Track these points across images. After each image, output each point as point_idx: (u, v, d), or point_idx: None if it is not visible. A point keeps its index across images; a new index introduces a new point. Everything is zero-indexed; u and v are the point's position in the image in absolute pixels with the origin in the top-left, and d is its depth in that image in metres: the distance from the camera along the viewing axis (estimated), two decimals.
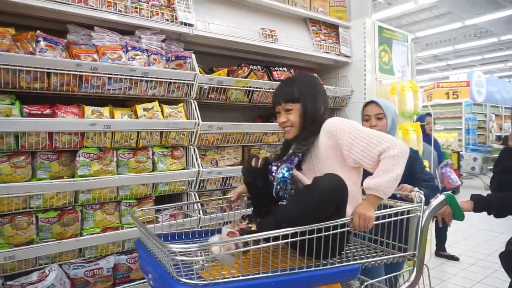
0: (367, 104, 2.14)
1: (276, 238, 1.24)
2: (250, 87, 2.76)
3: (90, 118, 2.08)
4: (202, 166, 2.47)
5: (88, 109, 2.10)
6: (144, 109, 2.28)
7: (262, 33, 2.89)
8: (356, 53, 3.54)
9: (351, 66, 3.58)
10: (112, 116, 2.18)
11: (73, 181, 2.04)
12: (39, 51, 1.93)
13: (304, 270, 1.29)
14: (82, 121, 2.04)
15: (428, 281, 1.69)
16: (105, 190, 2.16)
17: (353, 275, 1.40)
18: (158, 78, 2.28)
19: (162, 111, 2.35)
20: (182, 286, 1.13)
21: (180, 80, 2.38)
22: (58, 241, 1.99)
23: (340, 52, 3.46)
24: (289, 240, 1.27)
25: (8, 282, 1.90)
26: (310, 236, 1.29)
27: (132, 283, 2.23)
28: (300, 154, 1.53)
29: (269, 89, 2.87)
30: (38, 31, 1.98)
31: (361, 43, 3.50)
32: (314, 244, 1.33)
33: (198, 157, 2.49)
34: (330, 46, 3.40)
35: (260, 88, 2.82)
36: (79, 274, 2.06)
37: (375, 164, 1.41)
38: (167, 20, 2.37)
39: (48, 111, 1.99)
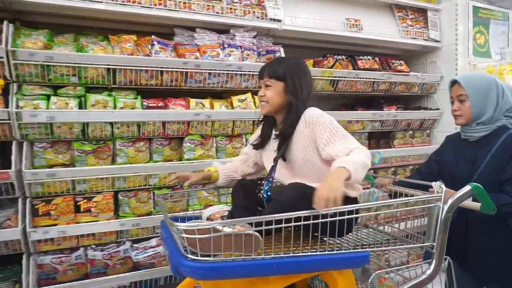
0: (451, 84, 1.89)
1: (280, 222, 1.25)
2: (335, 76, 2.85)
3: (195, 109, 2.39)
4: None
5: (192, 101, 2.41)
6: (239, 100, 2.52)
7: (347, 23, 2.95)
8: (446, 37, 3.38)
9: (441, 51, 3.43)
10: (212, 107, 2.47)
11: (181, 163, 2.37)
12: (154, 53, 2.28)
13: (309, 253, 1.30)
14: (188, 111, 2.36)
15: (452, 276, 1.69)
16: None
17: (361, 262, 1.39)
18: (251, 71, 2.51)
19: (254, 102, 2.57)
20: (187, 262, 1.20)
21: None
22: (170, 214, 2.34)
23: (428, 37, 3.34)
24: (292, 224, 1.26)
25: (135, 245, 2.31)
26: (307, 221, 1.29)
27: None
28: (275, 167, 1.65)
29: (353, 78, 2.92)
30: (153, 36, 2.34)
31: (452, 26, 3.33)
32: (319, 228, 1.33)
33: None
34: (418, 32, 3.30)
35: (345, 77, 2.89)
36: None
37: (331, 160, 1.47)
38: (258, 17, 2.58)
39: (161, 103, 2.34)
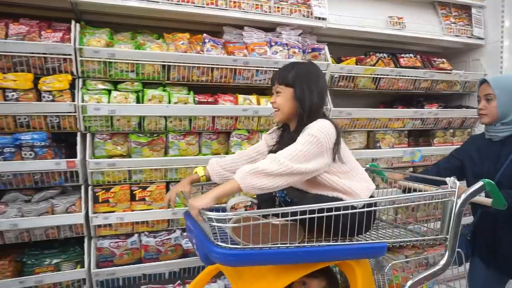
0: (480, 83, 1.89)
1: (305, 213, 1.31)
2: (378, 74, 2.87)
3: (243, 105, 2.48)
4: None
5: (240, 97, 2.50)
6: None
7: (390, 21, 2.96)
8: (491, 34, 3.32)
9: (485, 49, 3.38)
10: (258, 103, 2.55)
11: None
12: (206, 51, 2.38)
13: (330, 243, 1.37)
14: (237, 107, 2.45)
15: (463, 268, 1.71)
16: None
17: (379, 253, 1.47)
18: None
19: None
20: (217, 249, 1.25)
21: None
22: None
23: (472, 35, 3.30)
24: (316, 215, 1.32)
25: (184, 233, 2.43)
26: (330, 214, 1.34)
27: None
28: None
29: (396, 76, 2.93)
30: (205, 34, 2.44)
31: (497, 22, 3.27)
32: (339, 222, 1.38)
33: None
34: (461, 29, 3.27)
35: (387, 75, 2.91)
36: None
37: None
38: (303, 16, 2.64)
39: (211, 99, 2.44)
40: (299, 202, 1.41)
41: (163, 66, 2.28)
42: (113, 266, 2.27)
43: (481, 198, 1.56)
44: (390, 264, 1.67)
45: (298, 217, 1.30)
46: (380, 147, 3.02)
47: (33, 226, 2.09)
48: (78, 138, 2.17)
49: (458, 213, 1.48)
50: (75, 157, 2.15)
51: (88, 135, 2.20)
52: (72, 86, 2.14)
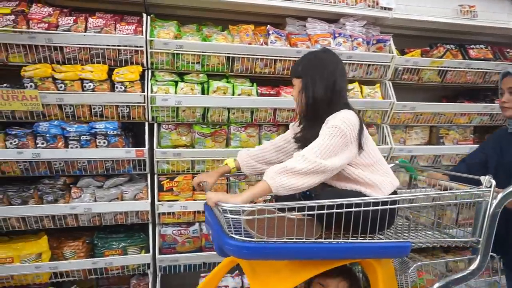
0: (502, 76, 1.81)
1: (322, 208, 1.25)
2: (445, 67, 2.72)
3: None
4: (393, 144, 2.61)
5: None
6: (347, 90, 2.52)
7: (460, 10, 2.79)
8: None
9: None
10: None
11: None
12: (270, 42, 2.36)
13: (349, 240, 1.29)
14: None
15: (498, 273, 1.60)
16: None
17: (402, 253, 1.37)
18: (360, 61, 2.49)
19: (361, 91, 2.56)
20: (230, 240, 1.23)
21: (379, 62, 2.54)
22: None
23: None
24: (334, 210, 1.27)
25: None
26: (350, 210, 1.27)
27: None
28: None
29: (464, 68, 2.77)
30: (269, 26, 2.42)
31: None
32: (360, 218, 1.30)
33: (390, 135, 2.63)
34: None
35: (455, 67, 2.75)
36: None
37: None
38: (369, 6, 2.55)
39: (273, 91, 2.43)
40: (319, 196, 1.37)
41: (228, 57, 2.30)
42: (175, 253, 2.34)
43: None
44: (415, 265, 1.56)
45: (316, 212, 1.25)
46: (443, 143, 2.88)
47: (104, 211, 2.19)
48: (146, 128, 2.24)
49: (493, 214, 1.39)
50: (141, 146, 2.22)
51: (155, 125, 2.27)
52: (141, 77, 2.20)
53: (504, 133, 1.90)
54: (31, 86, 2.03)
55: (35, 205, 2.10)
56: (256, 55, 2.31)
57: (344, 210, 1.25)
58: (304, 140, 1.51)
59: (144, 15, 2.21)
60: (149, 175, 2.30)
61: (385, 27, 2.78)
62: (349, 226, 1.28)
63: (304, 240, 1.26)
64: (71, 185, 2.20)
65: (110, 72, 2.15)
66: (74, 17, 2.10)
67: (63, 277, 2.22)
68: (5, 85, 2.05)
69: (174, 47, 2.18)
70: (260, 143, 2.48)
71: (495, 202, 1.38)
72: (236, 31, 2.37)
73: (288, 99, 2.40)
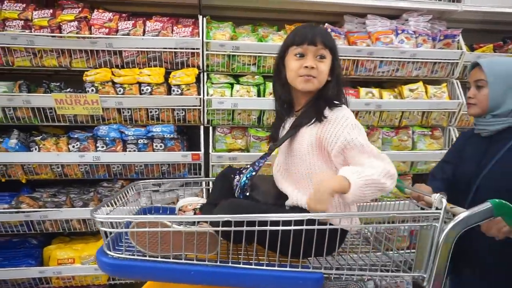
0: (471, 67, 1.55)
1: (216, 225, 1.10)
2: None
3: (364, 99, 2.30)
4: None
5: (362, 90, 2.33)
6: (410, 90, 2.36)
7: None
8: None
9: None
10: (380, 96, 2.35)
11: None
12: None
13: (240, 266, 1.12)
14: (358, 101, 2.28)
15: None
16: None
17: (310, 286, 1.14)
18: (425, 59, 2.31)
19: (426, 91, 2.38)
20: (98, 253, 1.16)
21: (446, 59, 2.35)
22: None
23: None
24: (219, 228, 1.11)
25: None
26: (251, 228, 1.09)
27: None
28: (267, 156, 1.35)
29: None
30: (327, 24, 2.31)
31: None
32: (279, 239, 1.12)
33: None
34: None
35: None
36: None
37: None
38: None
39: None
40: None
41: None
42: None
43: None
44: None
45: (220, 228, 1.10)
46: None
47: None
48: (202, 132, 2.21)
49: (444, 244, 1.09)
50: (194, 149, 2.19)
51: (211, 128, 2.23)
52: (197, 80, 2.17)
53: (471, 134, 1.59)
54: (92, 90, 2.06)
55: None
56: None
57: (244, 228, 1.09)
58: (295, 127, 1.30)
59: (200, 17, 2.18)
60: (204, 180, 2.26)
61: (451, 22, 2.57)
62: (273, 246, 1.12)
63: (194, 257, 1.14)
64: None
65: (166, 75, 2.14)
66: (133, 21, 2.11)
67: (121, 280, 2.24)
68: (68, 89, 2.10)
69: (231, 49, 2.13)
70: None
71: (446, 230, 1.09)
72: None
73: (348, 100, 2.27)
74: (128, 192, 1.52)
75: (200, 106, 2.14)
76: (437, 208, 1.13)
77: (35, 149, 2.08)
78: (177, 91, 2.12)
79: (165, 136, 2.12)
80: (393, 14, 2.45)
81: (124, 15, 2.19)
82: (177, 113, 2.17)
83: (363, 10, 2.40)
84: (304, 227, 1.10)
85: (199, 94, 2.14)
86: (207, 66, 2.19)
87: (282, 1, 2.25)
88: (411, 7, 2.35)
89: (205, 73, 2.21)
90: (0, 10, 2.01)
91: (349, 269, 1.19)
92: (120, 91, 2.09)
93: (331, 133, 1.18)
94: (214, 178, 1.54)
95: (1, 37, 1.98)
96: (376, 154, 1.16)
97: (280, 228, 1.09)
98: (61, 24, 2.03)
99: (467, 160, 1.54)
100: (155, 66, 2.14)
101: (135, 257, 1.14)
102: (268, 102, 2.18)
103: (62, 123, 2.13)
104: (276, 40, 2.21)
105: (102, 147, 2.09)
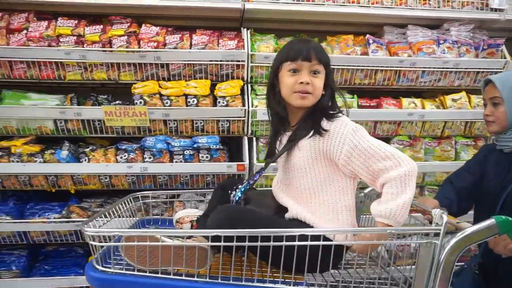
0: (484, 84, 1.55)
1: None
2: None
3: (407, 109, 2.29)
4: None
5: (405, 101, 2.32)
6: (453, 100, 2.34)
7: None
8: None
9: None
10: (423, 106, 2.34)
11: None
12: (371, 52, 2.26)
13: (230, 282, 1.11)
14: (401, 111, 2.28)
15: None
16: None
17: None
18: (468, 68, 2.30)
19: (469, 101, 2.36)
20: (87, 267, 1.17)
21: (490, 69, 2.33)
22: None
23: None
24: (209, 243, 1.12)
25: None
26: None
27: None
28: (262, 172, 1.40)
29: None
30: (368, 35, 2.32)
31: None
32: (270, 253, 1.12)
33: None
34: None
35: None
36: None
37: (376, 181, 1.16)
38: (477, 8, 2.35)
39: (373, 103, 2.31)
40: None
41: None
42: None
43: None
44: None
45: (210, 243, 1.11)
46: None
47: None
48: (246, 142, 2.23)
49: (445, 264, 1.04)
50: (236, 160, 2.21)
51: (254, 139, 2.25)
52: (241, 91, 2.20)
53: (494, 148, 1.57)
54: (140, 102, 2.11)
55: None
56: (357, 66, 2.22)
57: (232, 244, 1.09)
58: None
59: (244, 29, 2.22)
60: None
61: (492, 31, 2.55)
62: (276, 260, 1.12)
63: (184, 272, 1.15)
64: (173, 199, 2.23)
65: (212, 87, 2.17)
66: (180, 35, 2.16)
67: None
68: (117, 102, 2.16)
69: None
70: None
71: (448, 247, 1.04)
72: (335, 42, 2.30)
73: (390, 111, 2.28)
74: (125, 204, 1.56)
75: (244, 117, 2.16)
76: (437, 224, 1.09)
77: (85, 160, 2.13)
78: (223, 102, 2.15)
79: (211, 147, 2.14)
80: (433, 24, 2.45)
81: (169, 29, 2.24)
82: (222, 124, 2.20)
83: (403, 20, 2.41)
84: (296, 243, 1.10)
85: (243, 105, 2.17)
86: (251, 77, 2.22)
87: (322, 13, 2.27)
88: (452, 16, 2.35)
89: (249, 85, 2.24)
90: (55, 27, 2.09)
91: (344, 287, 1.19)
92: (167, 103, 2.13)
93: (334, 144, 1.18)
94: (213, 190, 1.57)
95: (56, 53, 2.05)
96: (386, 153, 1.13)
97: (271, 243, 1.09)
98: (111, 38, 2.10)
99: (491, 176, 1.53)
100: (200, 78, 2.18)
101: (124, 271, 1.15)
102: None
103: (110, 135, 2.18)
104: None
105: (150, 158, 2.13)
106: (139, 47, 2.11)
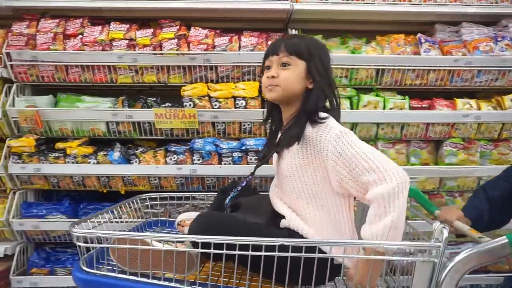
0: None
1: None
2: None
3: (462, 110, 2.20)
4: None
5: (459, 101, 2.23)
6: None
7: None
8: None
9: None
10: (478, 107, 2.24)
11: (440, 168, 2.22)
12: (423, 52, 2.19)
13: None
14: (455, 112, 2.18)
15: None
16: (468, 179, 2.25)
17: None
18: None
19: None
20: (74, 268, 1.20)
21: None
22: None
23: None
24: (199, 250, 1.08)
25: None
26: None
27: None
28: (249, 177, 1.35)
29: None
30: (419, 34, 2.25)
31: None
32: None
33: None
34: None
35: None
36: None
37: (365, 195, 1.04)
38: None
39: (425, 104, 2.23)
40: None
41: (377, 70, 2.17)
42: None
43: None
44: None
45: (196, 249, 1.08)
46: None
47: None
48: None
49: (446, 286, 0.92)
50: None
51: None
52: None
53: None
54: (190, 104, 2.12)
55: None
56: (409, 66, 2.15)
57: (209, 251, 1.06)
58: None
59: (293, 30, 2.20)
60: None
61: None
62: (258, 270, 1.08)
63: (173, 277, 1.13)
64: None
65: (260, 88, 2.16)
66: (229, 37, 2.17)
67: None
68: (166, 104, 2.18)
69: None
70: (408, 161, 2.28)
71: (450, 266, 0.93)
72: (386, 41, 2.24)
73: (443, 112, 2.19)
74: (130, 205, 1.63)
75: None
76: (436, 240, 0.96)
77: (136, 161, 2.17)
78: None
79: (259, 149, 2.13)
80: (488, 21, 2.34)
81: (217, 31, 2.25)
82: (268, 127, 2.17)
83: (456, 18, 2.32)
84: (276, 253, 1.04)
85: None
86: None
87: (372, 12, 2.22)
88: (509, 12, 2.24)
89: None
90: (109, 31, 2.14)
91: None
92: (215, 105, 2.13)
93: (319, 152, 1.11)
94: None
95: (109, 57, 2.10)
96: (370, 165, 1.01)
97: (250, 253, 1.04)
98: (162, 42, 2.13)
99: None
100: (248, 80, 2.17)
101: (106, 273, 1.16)
102: (362, 115, 2.14)
103: (160, 137, 2.21)
104: (369, 52, 2.18)
105: (199, 159, 2.14)
106: (189, 50, 2.13)
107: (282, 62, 1.20)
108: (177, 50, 2.11)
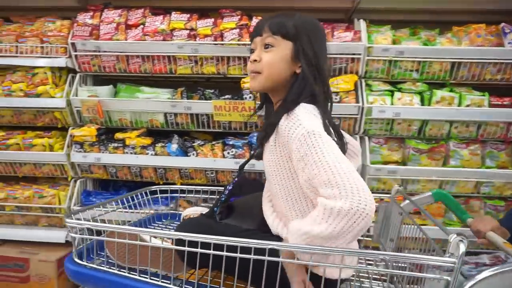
0: None
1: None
2: None
3: None
4: None
5: None
6: None
7: None
8: None
9: None
10: None
11: None
12: (508, 43, 1.98)
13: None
14: None
15: None
16: None
17: None
18: None
19: None
20: (67, 260, 1.21)
21: None
22: None
23: None
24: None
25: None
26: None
27: None
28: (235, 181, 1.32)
29: None
30: (503, 24, 2.04)
31: None
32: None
33: None
34: None
35: None
36: None
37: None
38: None
39: (507, 101, 2.03)
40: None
41: (453, 63, 1.99)
42: None
43: None
44: None
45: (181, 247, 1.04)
46: None
47: None
48: (358, 142, 2.07)
49: None
50: None
51: (366, 138, 2.09)
52: (354, 87, 2.05)
53: None
54: (250, 97, 2.05)
55: None
56: (491, 59, 1.95)
57: (195, 250, 1.01)
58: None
59: (361, 20, 2.07)
60: None
61: None
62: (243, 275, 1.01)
63: (161, 273, 1.11)
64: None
65: None
66: None
67: None
68: (226, 96, 2.13)
69: (394, 53, 1.98)
70: (483, 163, 2.09)
71: (468, 284, 0.82)
72: (464, 32, 2.05)
73: None
74: (138, 196, 1.65)
75: (357, 114, 2.01)
76: (451, 255, 0.83)
77: (193, 154, 2.13)
78: (335, 98, 2.01)
79: None
80: None
81: None
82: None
83: None
84: (281, 258, 0.97)
85: (357, 102, 2.02)
86: (366, 72, 2.06)
87: (442, 0, 2.04)
88: None
89: (363, 80, 2.08)
90: (170, 21, 2.11)
91: None
92: None
93: (286, 148, 1.00)
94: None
95: (169, 47, 2.07)
96: (330, 180, 0.85)
97: (224, 253, 0.98)
98: (223, 32, 2.07)
99: None
100: None
101: (96, 266, 1.17)
102: (434, 112, 1.98)
103: (217, 130, 2.16)
104: (444, 43, 2.01)
105: None
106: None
107: (265, 43, 1.07)
108: (238, 40, 2.04)
